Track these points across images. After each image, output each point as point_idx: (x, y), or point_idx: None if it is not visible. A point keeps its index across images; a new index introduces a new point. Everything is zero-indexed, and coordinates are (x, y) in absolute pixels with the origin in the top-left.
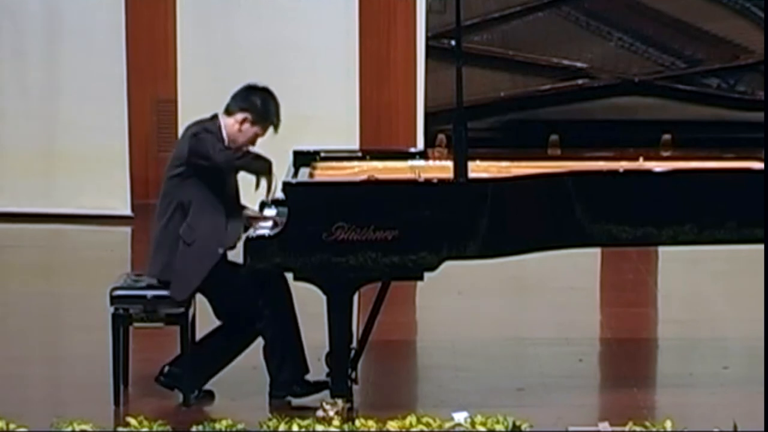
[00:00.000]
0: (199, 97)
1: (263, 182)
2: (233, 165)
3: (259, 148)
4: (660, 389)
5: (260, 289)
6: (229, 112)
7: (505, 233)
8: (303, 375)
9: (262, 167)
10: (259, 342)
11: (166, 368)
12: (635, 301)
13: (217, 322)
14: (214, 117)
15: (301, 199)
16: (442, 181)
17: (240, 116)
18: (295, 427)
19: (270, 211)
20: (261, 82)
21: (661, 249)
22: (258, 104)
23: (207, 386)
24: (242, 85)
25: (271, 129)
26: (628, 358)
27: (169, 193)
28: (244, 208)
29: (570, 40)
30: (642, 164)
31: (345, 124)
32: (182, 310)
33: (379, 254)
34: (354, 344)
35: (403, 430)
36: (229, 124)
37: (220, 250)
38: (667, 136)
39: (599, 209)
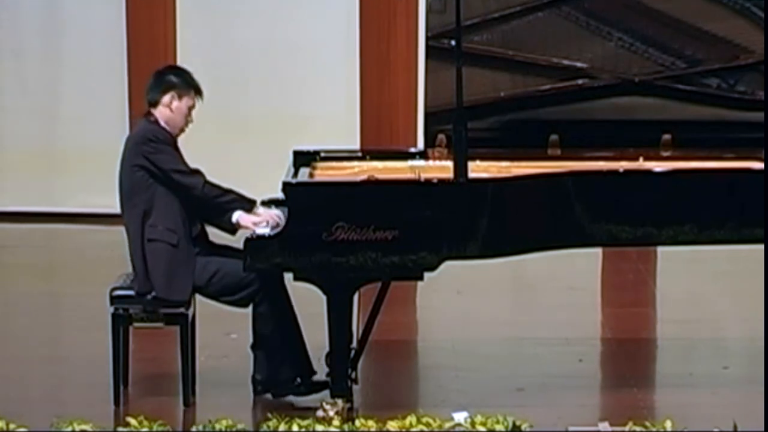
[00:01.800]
0: None
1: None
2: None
3: (261, 146)
4: (660, 389)
5: (257, 285)
6: (153, 104)
7: (505, 233)
8: (304, 374)
9: (245, 206)
10: None
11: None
12: (635, 301)
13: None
14: (148, 114)
15: (301, 199)
16: (442, 181)
17: (166, 98)
18: (295, 427)
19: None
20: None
21: (661, 249)
22: (173, 79)
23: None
24: (149, 80)
25: (198, 98)
26: (628, 358)
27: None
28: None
29: (570, 40)
30: (642, 164)
31: (345, 124)
32: (182, 310)
33: (379, 254)
34: (354, 344)
35: (403, 430)
36: (161, 112)
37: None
38: (667, 136)
39: (599, 209)
